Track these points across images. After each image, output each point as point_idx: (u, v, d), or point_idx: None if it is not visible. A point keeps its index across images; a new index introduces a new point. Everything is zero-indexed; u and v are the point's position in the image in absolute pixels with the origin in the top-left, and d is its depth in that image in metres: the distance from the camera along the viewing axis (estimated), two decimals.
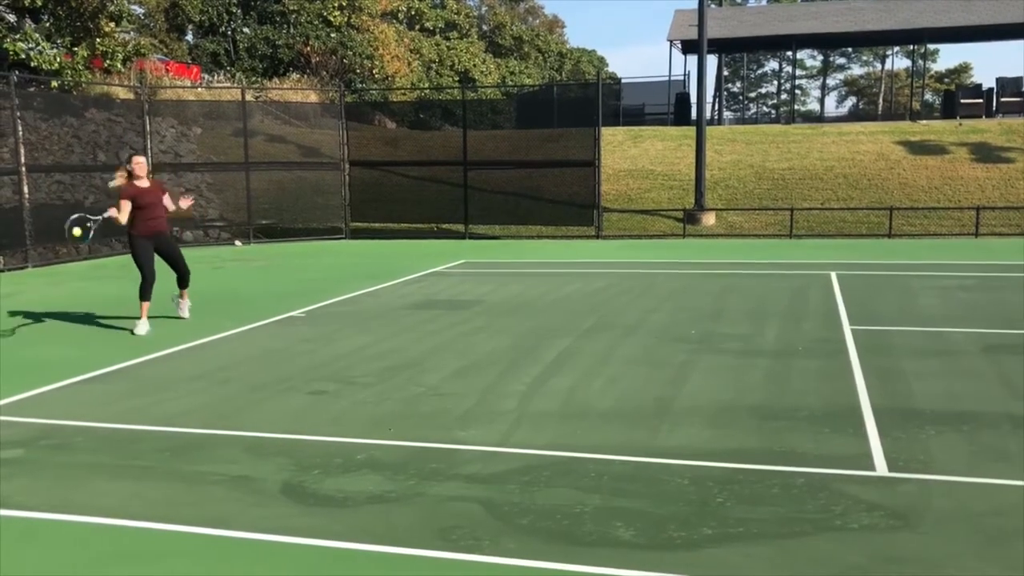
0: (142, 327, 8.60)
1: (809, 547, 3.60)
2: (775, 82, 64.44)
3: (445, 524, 3.86)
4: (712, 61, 40.91)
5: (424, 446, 4.97)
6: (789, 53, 37.21)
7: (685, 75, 36.65)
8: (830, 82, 66.31)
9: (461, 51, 40.76)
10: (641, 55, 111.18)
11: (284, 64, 29.95)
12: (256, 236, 19.57)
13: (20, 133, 15.33)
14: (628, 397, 6.00)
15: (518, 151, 20.73)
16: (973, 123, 25.55)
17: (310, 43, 29.86)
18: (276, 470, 4.60)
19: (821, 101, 61.89)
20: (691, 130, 22.98)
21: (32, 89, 17.68)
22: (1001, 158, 22.43)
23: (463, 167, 20.10)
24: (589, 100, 20.97)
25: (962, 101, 27.81)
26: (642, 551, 3.57)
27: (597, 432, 5.22)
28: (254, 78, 28.70)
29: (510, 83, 40.36)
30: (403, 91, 31.83)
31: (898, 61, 61.29)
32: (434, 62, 38.64)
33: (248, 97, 21.48)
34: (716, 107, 41.08)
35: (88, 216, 8.63)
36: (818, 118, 44.47)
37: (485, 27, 51.71)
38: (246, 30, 30.83)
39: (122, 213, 8.56)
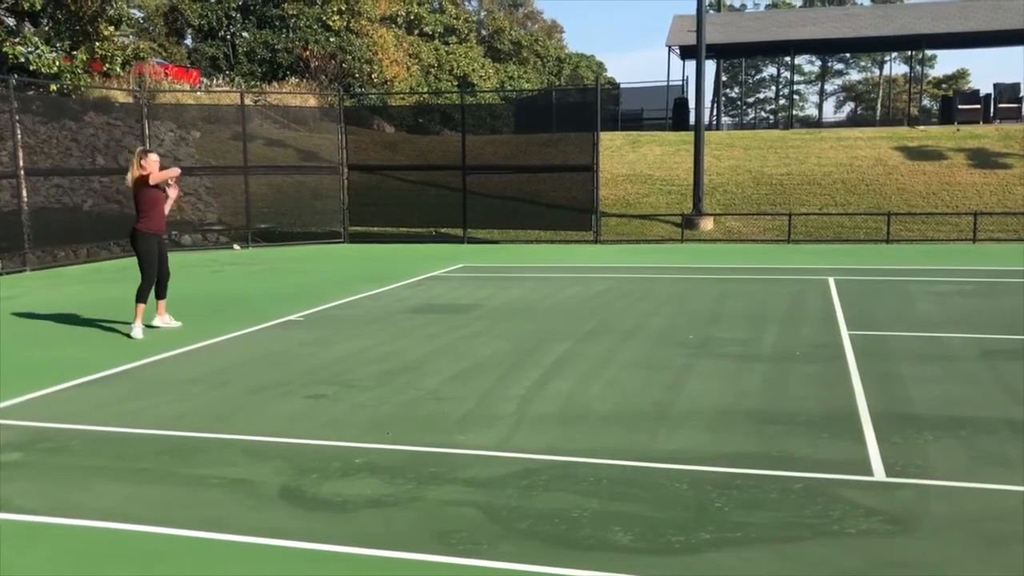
0: (138, 330, 8.59)
1: (807, 552, 3.60)
2: (773, 87, 64.72)
3: (443, 528, 3.86)
4: (710, 66, 41.01)
5: (422, 450, 4.97)
6: (787, 59, 37.36)
7: (683, 80, 36.64)
8: (828, 88, 66.50)
9: (460, 56, 40.79)
10: (640, 60, 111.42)
11: (283, 68, 29.97)
12: (255, 240, 19.56)
13: (19, 136, 15.34)
14: (627, 401, 6.00)
15: (517, 156, 20.70)
16: (971, 129, 25.59)
17: (309, 47, 29.88)
18: (274, 473, 4.60)
19: (819, 107, 62.10)
20: (689, 135, 23.01)
21: (31, 93, 17.70)
22: (998, 164, 22.48)
23: (462, 171, 20.10)
24: (588, 105, 21.02)
25: (960, 107, 27.88)
26: (640, 555, 3.57)
27: (596, 436, 5.22)
28: (253, 82, 28.69)
29: (509, 88, 40.40)
30: (402, 95, 31.85)
31: (896, 67, 61.58)
32: (433, 66, 38.68)
33: (247, 101, 21.48)
34: (714, 112, 41.19)
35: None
36: (816, 123, 44.57)
37: (484, 32, 51.83)
38: (245, 34, 30.84)
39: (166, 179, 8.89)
